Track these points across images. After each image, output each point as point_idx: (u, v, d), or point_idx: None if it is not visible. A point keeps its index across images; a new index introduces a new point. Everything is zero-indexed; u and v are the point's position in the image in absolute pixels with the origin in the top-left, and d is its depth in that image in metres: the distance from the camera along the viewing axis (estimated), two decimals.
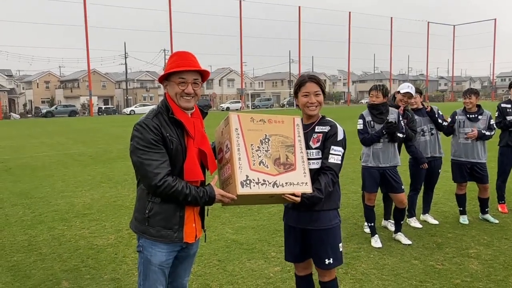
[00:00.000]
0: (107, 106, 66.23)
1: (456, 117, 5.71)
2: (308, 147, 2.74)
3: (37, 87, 75.66)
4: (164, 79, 2.48)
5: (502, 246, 4.84)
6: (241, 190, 2.40)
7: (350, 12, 72.01)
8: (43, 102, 71.70)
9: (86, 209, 6.85)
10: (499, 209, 6.24)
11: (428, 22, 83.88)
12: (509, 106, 6.16)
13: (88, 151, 14.73)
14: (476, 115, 5.59)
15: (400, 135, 4.69)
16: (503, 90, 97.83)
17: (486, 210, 5.89)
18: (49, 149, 15.69)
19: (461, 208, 5.91)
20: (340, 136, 2.77)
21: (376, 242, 4.91)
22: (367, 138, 4.72)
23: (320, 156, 2.74)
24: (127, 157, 12.69)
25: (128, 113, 57.01)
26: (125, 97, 69.96)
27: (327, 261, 2.85)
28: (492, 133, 5.62)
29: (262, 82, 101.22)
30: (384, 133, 4.61)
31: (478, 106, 5.65)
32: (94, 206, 7.03)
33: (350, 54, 72.26)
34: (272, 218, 6.08)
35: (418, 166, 5.41)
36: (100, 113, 58.74)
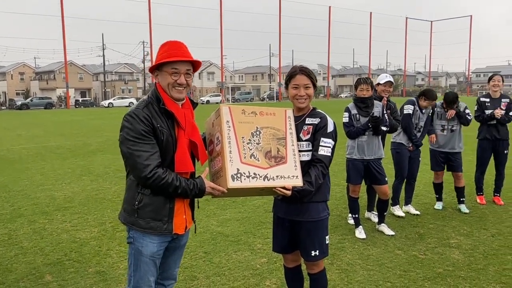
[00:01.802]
0: (85, 98, 65.06)
1: (435, 109, 5.88)
2: (298, 139, 2.73)
3: (11, 79, 73.74)
4: (155, 69, 2.44)
5: (481, 236, 4.97)
6: (231, 184, 2.39)
7: (330, 7, 72.28)
8: (17, 94, 69.98)
9: (67, 202, 6.73)
10: (478, 200, 6.40)
11: (407, 18, 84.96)
12: (487, 100, 6.32)
13: (66, 144, 14.45)
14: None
15: (384, 128, 4.76)
16: (477, 86, 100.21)
17: (462, 200, 6.05)
18: (26, 142, 15.33)
19: (437, 196, 6.14)
20: (330, 128, 2.77)
21: (360, 233, 4.99)
22: (352, 131, 4.77)
23: (311, 148, 2.74)
24: (107, 149, 12.59)
25: (106, 105, 56.15)
26: (103, 90, 68.83)
27: (313, 253, 2.87)
28: (470, 118, 5.89)
29: (242, 76, 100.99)
30: (370, 126, 4.67)
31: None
32: (75, 199, 6.92)
33: (330, 48, 72.63)
34: (257, 210, 6.10)
35: (402, 156, 5.59)
36: (77, 106, 57.63)
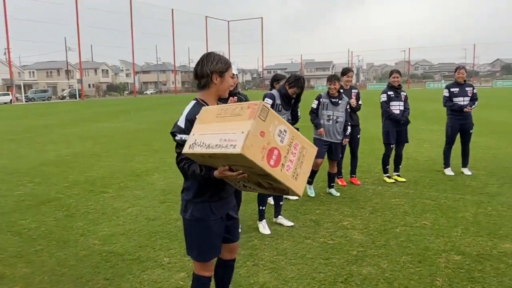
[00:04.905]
0: None
1: (321, 100, 6.13)
2: None
3: None
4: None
5: (363, 215, 5.42)
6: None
7: (131, 0, 69.93)
8: None
9: None
10: (339, 183, 7.01)
11: (206, 17, 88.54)
12: (341, 91, 6.92)
13: None
14: (337, 100, 6.11)
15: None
16: (269, 81, 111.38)
17: (332, 184, 6.54)
18: None
19: (309, 179, 6.46)
20: None
21: (264, 228, 4.88)
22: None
23: None
24: None
25: None
26: None
27: (240, 229, 3.05)
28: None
29: (33, 72, 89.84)
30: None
31: (339, 91, 6.17)
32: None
33: (134, 44, 70.46)
34: (137, 219, 5.39)
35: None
36: None
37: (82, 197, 6.58)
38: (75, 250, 4.43)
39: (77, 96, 63.01)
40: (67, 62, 77.75)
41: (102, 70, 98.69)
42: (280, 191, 2.34)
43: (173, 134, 2.52)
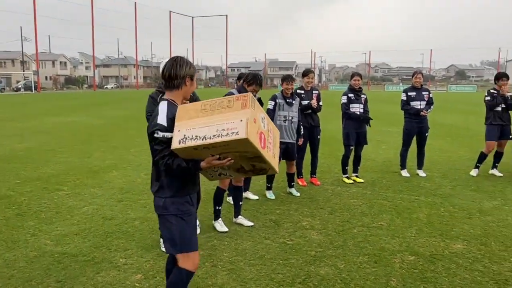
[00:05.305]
0: None
1: (277, 100, 6.14)
2: None
3: None
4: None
5: (322, 215, 5.48)
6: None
7: None
8: None
9: None
10: (299, 183, 7.07)
11: (170, 12, 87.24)
12: (302, 91, 6.99)
13: None
14: (291, 100, 6.14)
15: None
16: (232, 79, 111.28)
17: (292, 184, 6.58)
18: None
19: (268, 185, 6.47)
20: None
21: (222, 226, 4.87)
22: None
23: None
24: None
25: None
26: None
27: (198, 230, 3.34)
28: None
29: None
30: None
31: (292, 93, 6.20)
32: None
33: (94, 36, 68.47)
34: (93, 219, 5.23)
35: None
36: None
37: (34, 194, 6.31)
38: (25, 251, 4.24)
39: (33, 88, 60.48)
40: (22, 52, 74.48)
41: (60, 62, 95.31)
42: (258, 171, 2.66)
43: (154, 132, 2.56)
